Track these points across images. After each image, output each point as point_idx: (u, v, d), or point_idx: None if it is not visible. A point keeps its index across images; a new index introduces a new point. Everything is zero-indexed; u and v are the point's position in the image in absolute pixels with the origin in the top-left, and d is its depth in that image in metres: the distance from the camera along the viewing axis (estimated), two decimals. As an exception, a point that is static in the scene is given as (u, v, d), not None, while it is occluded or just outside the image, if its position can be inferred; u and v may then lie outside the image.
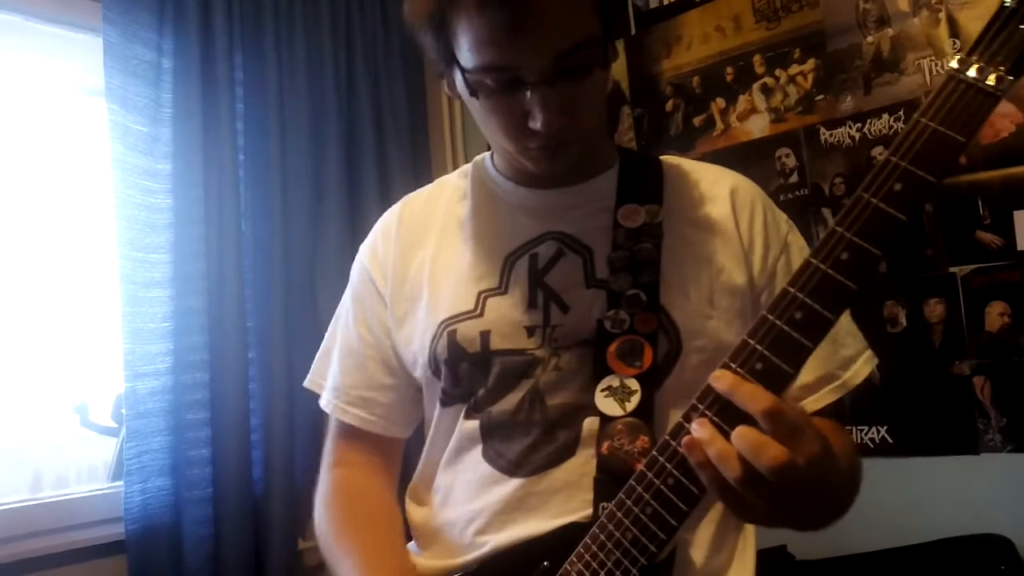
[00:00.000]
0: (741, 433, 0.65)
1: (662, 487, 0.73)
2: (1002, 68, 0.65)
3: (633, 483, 0.75)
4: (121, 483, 1.74)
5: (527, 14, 0.78)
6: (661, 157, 1.04)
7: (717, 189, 0.99)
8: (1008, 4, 0.66)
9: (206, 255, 1.86)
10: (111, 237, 1.78)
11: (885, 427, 1.72)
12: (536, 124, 0.83)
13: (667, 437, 0.73)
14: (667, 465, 0.73)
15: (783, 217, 1.00)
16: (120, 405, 1.89)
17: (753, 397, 0.66)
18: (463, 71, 0.84)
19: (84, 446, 1.97)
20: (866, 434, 1.74)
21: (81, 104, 1.99)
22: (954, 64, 0.67)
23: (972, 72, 0.66)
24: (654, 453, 0.74)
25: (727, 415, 0.68)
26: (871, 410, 1.73)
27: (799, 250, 0.98)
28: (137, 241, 1.79)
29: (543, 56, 0.80)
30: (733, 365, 0.70)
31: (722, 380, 0.69)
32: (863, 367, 0.95)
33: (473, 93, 0.86)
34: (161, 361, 1.78)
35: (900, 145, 0.67)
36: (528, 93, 0.82)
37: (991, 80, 0.65)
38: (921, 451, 1.70)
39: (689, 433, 0.69)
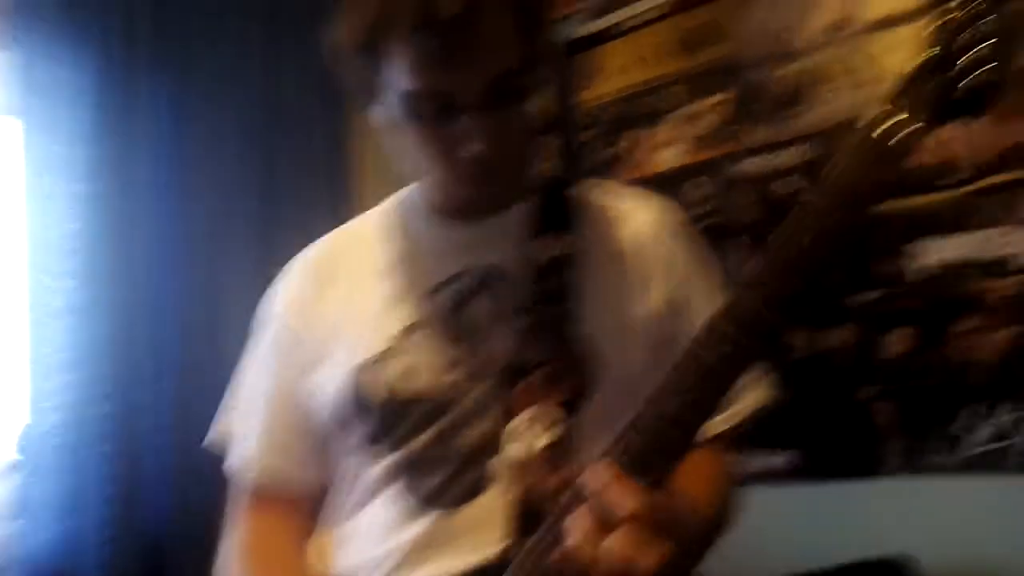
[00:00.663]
0: (609, 549, 0.67)
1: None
2: (916, 120, 0.68)
3: (550, 521, 0.74)
4: (17, 523, 1.66)
5: (462, 40, 0.79)
6: (579, 184, 1.05)
7: (632, 217, 1.00)
8: (921, 60, 0.69)
9: (115, 281, 1.81)
10: (20, 262, 1.72)
11: (792, 452, 1.76)
12: (470, 149, 0.84)
13: (580, 479, 0.73)
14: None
15: (695, 243, 1.02)
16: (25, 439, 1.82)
17: (620, 499, 0.67)
18: (396, 97, 0.85)
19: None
20: (773, 459, 1.77)
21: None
22: (871, 115, 0.69)
23: (888, 124, 0.68)
24: (566, 496, 0.74)
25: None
26: (777, 435, 1.76)
27: (710, 277, 1.00)
28: (45, 266, 1.73)
29: (477, 82, 0.82)
30: (635, 429, 0.70)
31: (594, 476, 0.70)
32: (757, 395, 0.97)
33: (407, 119, 0.86)
34: (65, 393, 1.72)
35: (819, 190, 0.69)
36: (461, 118, 0.83)
37: (905, 131, 0.68)
38: (827, 475, 1.73)
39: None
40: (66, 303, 1.75)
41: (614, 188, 1.06)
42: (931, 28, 0.70)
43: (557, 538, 0.72)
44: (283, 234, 2.10)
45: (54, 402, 1.71)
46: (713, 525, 0.88)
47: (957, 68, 0.68)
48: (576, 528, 0.69)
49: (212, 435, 1.06)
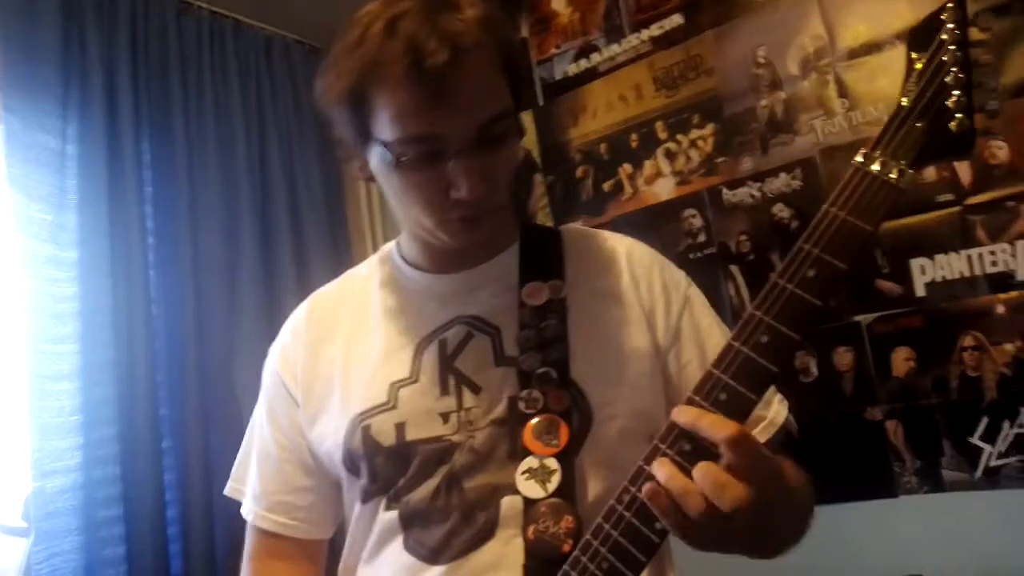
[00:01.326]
0: (704, 471, 0.67)
1: (620, 539, 0.73)
2: (903, 162, 0.71)
3: (590, 538, 0.75)
4: (29, 590, 1.66)
5: (450, 85, 0.80)
6: (562, 227, 1.06)
7: (614, 257, 1.01)
8: (905, 104, 0.71)
9: (115, 344, 1.81)
10: (18, 329, 1.73)
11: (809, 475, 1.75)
12: (460, 193, 0.84)
13: (626, 483, 0.74)
14: (625, 514, 0.73)
15: (681, 274, 1.02)
16: (30, 504, 1.81)
17: (715, 426, 0.68)
18: (384, 144, 0.85)
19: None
20: (789, 484, 1.77)
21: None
22: (859, 158, 0.72)
23: (876, 166, 0.71)
24: (612, 503, 0.74)
25: (687, 454, 0.70)
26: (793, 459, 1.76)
27: (701, 305, 1.00)
28: (43, 332, 1.74)
29: (466, 125, 0.83)
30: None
31: (684, 414, 0.71)
32: (780, 407, 0.97)
33: (395, 166, 0.86)
34: (70, 456, 1.72)
35: (812, 233, 0.71)
36: (451, 163, 0.84)
37: (893, 173, 0.70)
38: (842, 498, 1.72)
39: (649, 476, 0.70)
40: (66, 368, 1.75)
41: (592, 231, 1.07)
42: (909, 74, 0.72)
43: (639, 490, 0.72)
44: (283, 285, 2.12)
45: (58, 466, 1.70)
46: (801, 503, 0.86)
47: (937, 113, 0.70)
48: (663, 467, 0.70)
49: (229, 485, 1.08)
